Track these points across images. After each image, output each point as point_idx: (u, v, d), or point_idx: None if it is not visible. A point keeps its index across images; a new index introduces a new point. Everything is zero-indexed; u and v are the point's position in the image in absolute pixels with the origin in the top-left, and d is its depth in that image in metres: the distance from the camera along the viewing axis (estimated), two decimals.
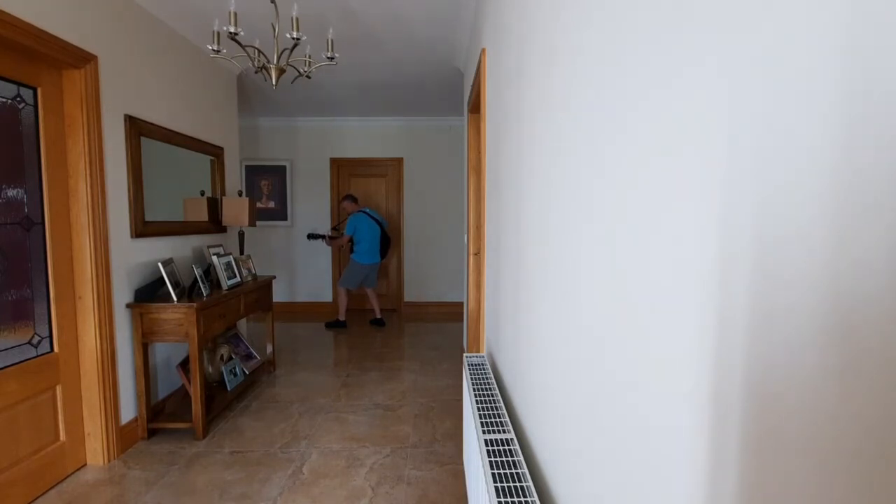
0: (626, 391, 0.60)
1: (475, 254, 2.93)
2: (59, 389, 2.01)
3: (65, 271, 2.03)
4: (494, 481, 0.97)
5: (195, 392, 2.37)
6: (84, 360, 2.11)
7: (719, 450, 0.42)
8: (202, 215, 3.04)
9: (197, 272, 2.56)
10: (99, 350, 2.12)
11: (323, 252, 5.54)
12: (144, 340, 2.34)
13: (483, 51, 2.21)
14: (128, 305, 2.31)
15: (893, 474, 0.26)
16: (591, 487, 0.73)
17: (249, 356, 3.17)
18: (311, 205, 5.48)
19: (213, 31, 2.02)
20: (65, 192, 2.02)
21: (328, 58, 2.14)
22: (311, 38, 2.71)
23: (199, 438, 2.37)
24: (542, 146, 1.08)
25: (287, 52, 2.22)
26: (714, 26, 0.43)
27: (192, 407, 2.39)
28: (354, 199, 4.74)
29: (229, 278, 2.82)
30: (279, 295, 5.28)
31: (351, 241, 4.58)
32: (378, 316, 4.86)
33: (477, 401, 1.41)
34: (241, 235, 3.32)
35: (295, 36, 1.94)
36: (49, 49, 1.84)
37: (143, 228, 2.42)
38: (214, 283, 2.81)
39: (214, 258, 2.75)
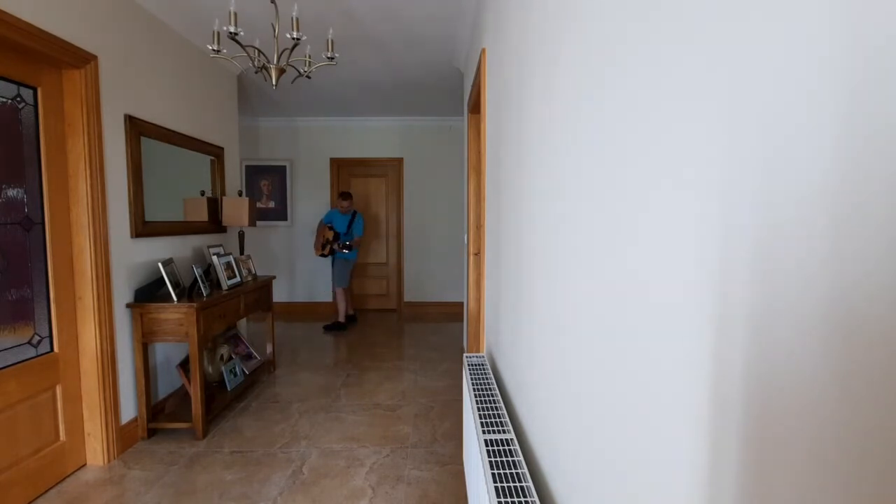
0: (626, 391, 0.60)
1: (475, 254, 2.93)
2: (58, 389, 2.01)
3: (65, 271, 2.03)
4: (494, 481, 0.97)
5: (195, 392, 2.37)
6: (84, 360, 2.11)
7: (719, 451, 0.42)
8: (202, 215, 3.04)
9: (197, 272, 2.56)
10: (99, 350, 2.12)
11: None
12: (144, 340, 2.34)
13: (483, 51, 2.21)
14: (128, 305, 2.31)
15: (894, 475, 0.26)
16: (590, 487, 0.73)
17: (249, 356, 3.17)
18: (311, 205, 5.48)
19: (213, 31, 2.02)
20: (65, 192, 2.02)
21: (328, 58, 2.14)
22: (311, 38, 2.71)
23: (199, 438, 2.37)
24: (543, 145, 1.08)
25: (287, 52, 2.22)
26: (715, 22, 0.43)
27: (192, 407, 2.39)
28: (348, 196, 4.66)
29: (229, 278, 2.82)
30: (279, 295, 5.28)
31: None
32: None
33: (477, 401, 1.41)
34: (241, 235, 3.32)
35: (295, 36, 1.94)
36: (49, 49, 1.84)
37: (143, 228, 2.42)
38: (214, 283, 2.81)
39: (214, 258, 2.75)
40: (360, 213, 4.83)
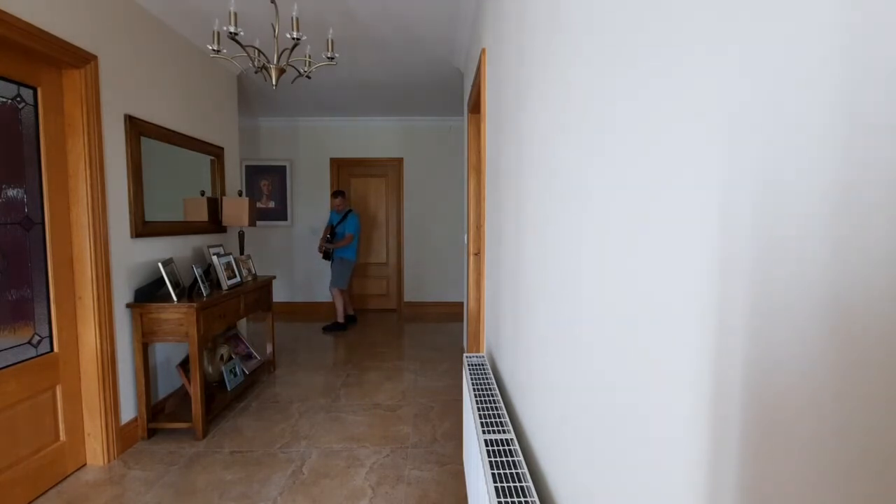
0: (626, 391, 0.60)
1: (475, 254, 2.93)
2: (58, 389, 2.01)
3: (65, 271, 2.03)
4: (494, 481, 0.97)
5: (195, 392, 2.37)
6: (84, 360, 2.11)
7: (719, 451, 0.42)
8: (202, 215, 3.04)
9: (197, 272, 2.56)
10: (99, 350, 2.12)
11: None
12: (144, 340, 2.34)
13: (483, 51, 2.21)
14: (128, 305, 2.31)
15: (893, 475, 0.26)
16: (590, 487, 0.73)
17: (249, 356, 3.17)
18: (311, 205, 5.48)
19: (213, 31, 2.02)
20: (65, 192, 2.02)
21: (328, 58, 2.14)
22: (311, 38, 2.71)
23: (199, 438, 2.37)
24: (542, 146, 1.08)
25: (287, 52, 2.22)
26: (714, 22, 0.43)
27: (192, 407, 2.39)
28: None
29: (229, 278, 2.82)
30: (279, 295, 5.27)
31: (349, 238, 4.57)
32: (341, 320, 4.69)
33: (477, 401, 1.41)
34: (241, 235, 3.32)
35: (295, 36, 1.94)
36: (49, 49, 1.84)
37: (143, 228, 2.42)
38: (214, 283, 2.81)
39: (214, 258, 2.75)
40: (356, 212, 4.75)
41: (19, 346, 1.84)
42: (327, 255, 4.59)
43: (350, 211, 4.65)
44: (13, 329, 1.82)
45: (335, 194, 4.61)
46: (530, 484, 0.95)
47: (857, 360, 0.29)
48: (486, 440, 1.15)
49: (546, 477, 1.01)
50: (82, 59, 2.01)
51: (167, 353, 2.65)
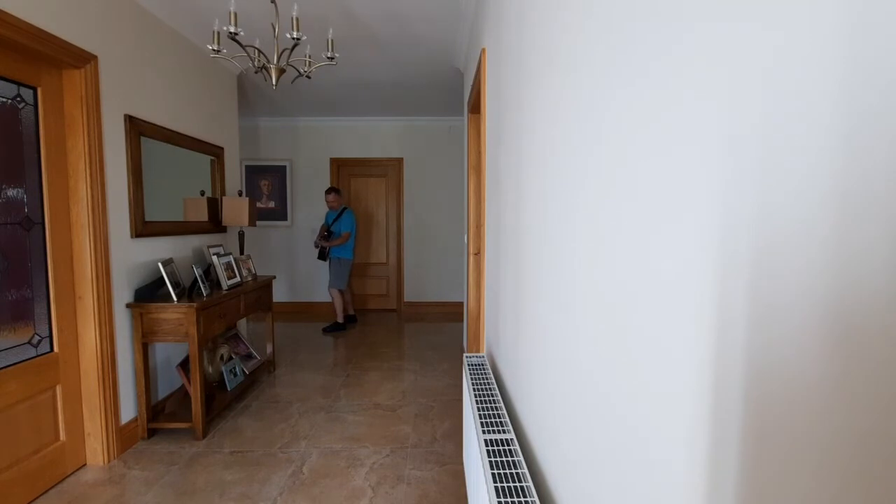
0: (625, 391, 0.60)
1: (475, 254, 2.93)
2: (58, 389, 2.01)
3: (65, 271, 2.03)
4: (494, 481, 0.97)
5: (195, 392, 2.37)
6: (84, 360, 2.11)
7: (718, 451, 0.42)
8: (202, 215, 3.04)
9: (197, 272, 2.56)
10: (99, 350, 2.11)
11: None
12: (144, 340, 2.34)
13: (483, 51, 2.21)
14: (128, 305, 2.31)
15: (893, 474, 0.26)
16: (590, 487, 0.73)
17: (249, 356, 3.17)
18: (311, 205, 5.48)
19: (213, 31, 2.02)
20: (65, 192, 2.02)
21: (328, 58, 2.14)
22: (311, 38, 2.71)
23: (199, 438, 2.37)
24: (542, 146, 1.08)
25: (287, 52, 2.22)
26: (716, 23, 0.43)
27: (192, 407, 2.39)
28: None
29: (229, 278, 2.82)
30: (279, 295, 5.28)
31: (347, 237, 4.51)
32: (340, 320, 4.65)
33: (477, 401, 1.41)
34: (241, 235, 3.32)
35: (295, 36, 1.94)
36: (49, 49, 1.84)
37: (143, 228, 2.42)
38: (214, 283, 2.81)
39: (214, 258, 2.75)
40: (351, 209, 4.69)
41: (19, 346, 1.84)
42: (322, 256, 4.55)
43: (346, 208, 4.59)
44: (13, 329, 1.82)
45: (329, 191, 4.51)
46: (530, 484, 0.95)
47: (858, 360, 0.29)
48: (486, 440, 1.15)
49: (546, 477, 1.01)
50: (82, 59, 2.01)
51: (167, 353, 2.65)
